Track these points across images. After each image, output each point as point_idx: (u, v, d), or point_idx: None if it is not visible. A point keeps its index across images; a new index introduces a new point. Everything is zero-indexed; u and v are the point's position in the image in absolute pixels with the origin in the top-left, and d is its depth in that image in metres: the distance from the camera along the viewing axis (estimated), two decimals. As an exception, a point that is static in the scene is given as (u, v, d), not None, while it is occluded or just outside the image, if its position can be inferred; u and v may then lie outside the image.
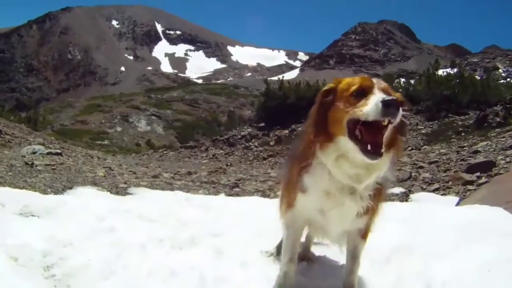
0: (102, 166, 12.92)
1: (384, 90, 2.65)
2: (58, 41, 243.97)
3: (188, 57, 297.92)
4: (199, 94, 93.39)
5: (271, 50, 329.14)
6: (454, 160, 11.48)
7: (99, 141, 53.47)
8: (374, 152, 2.55)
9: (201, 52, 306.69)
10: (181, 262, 4.00)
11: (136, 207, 6.04)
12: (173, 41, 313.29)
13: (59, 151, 14.94)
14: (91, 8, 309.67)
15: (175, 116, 74.94)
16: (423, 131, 18.94)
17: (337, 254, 3.94)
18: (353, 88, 2.72)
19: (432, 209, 5.87)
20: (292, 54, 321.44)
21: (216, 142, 26.38)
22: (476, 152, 11.66)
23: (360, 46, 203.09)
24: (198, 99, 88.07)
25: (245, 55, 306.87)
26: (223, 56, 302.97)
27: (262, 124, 26.17)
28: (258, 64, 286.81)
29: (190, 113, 78.87)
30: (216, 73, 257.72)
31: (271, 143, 22.89)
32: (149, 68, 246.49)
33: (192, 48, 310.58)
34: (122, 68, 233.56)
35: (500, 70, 60.34)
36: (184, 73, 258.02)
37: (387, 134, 2.65)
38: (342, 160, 2.75)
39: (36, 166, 10.37)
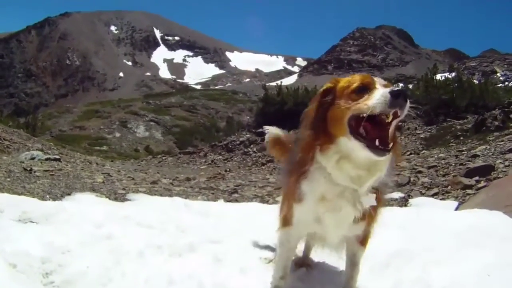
0: (101, 172, 12.91)
1: (386, 87, 2.57)
2: (57, 46, 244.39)
3: (186, 63, 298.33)
4: (198, 99, 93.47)
5: (269, 56, 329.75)
6: (453, 164, 11.47)
7: (98, 147, 53.44)
8: (383, 148, 2.47)
9: (199, 58, 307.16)
10: (180, 269, 4.00)
11: (134, 214, 6.03)
12: (171, 47, 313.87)
13: (57, 157, 14.91)
14: (90, 13, 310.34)
15: (174, 122, 74.96)
16: (421, 136, 18.93)
17: (336, 260, 3.94)
18: (355, 85, 2.67)
19: (431, 214, 5.87)
20: (290, 60, 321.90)
21: (214, 147, 26.32)
22: (475, 156, 11.65)
23: (358, 51, 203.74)
24: (196, 105, 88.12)
25: (243, 60, 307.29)
26: (222, 62, 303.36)
27: (261, 130, 26.13)
28: (257, 70, 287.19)
29: (189, 119, 78.90)
30: (215, 78, 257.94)
31: (270, 149, 22.84)
32: (148, 73, 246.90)
33: (191, 54, 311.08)
34: (121, 74, 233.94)
35: (498, 74, 60.62)
36: (183, 79, 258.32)
37: (390, 132, 2.59)
38: (344, 162, 2.67)
39: (34, 172, 10.35)
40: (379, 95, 2.44)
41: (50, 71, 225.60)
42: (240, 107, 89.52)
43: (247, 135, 26.22)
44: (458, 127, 18.21)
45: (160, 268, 3.99)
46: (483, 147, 12.65)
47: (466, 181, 9.10)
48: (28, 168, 10.51)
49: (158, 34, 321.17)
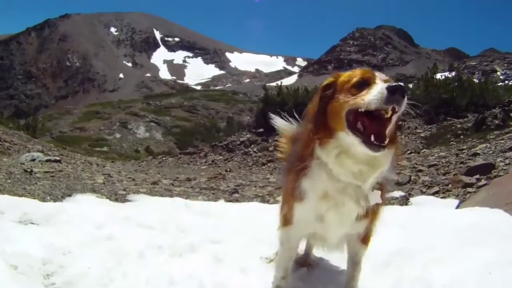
0: (101, 173, 12.90)
1: (386, 82, 2.54)
2: (57, 48, 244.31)
3: (186, 64, 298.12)
4: (198, 100, 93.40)
5: (269, 56, 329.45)
6: (454, 163, 11.47)
7: (98, 148, 53.41)
8: (378, 144, 2.44)
9: (199, 59, 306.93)
10: (181, 269, 4.00)
11: (135, 214, 6.03)
12: (171, 48, 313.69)
13: (58, 158, 14.91)
14: (90, 15, 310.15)
15: (174, 123, 74.89)
16: (422, 135, 18.92)
17: (337, 259, 3.94)
18: (355, 79, 2.65)
19: (431, 213, 5.86)
20: (290, 60, 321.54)
21: (215, 148, 26.30)
22: (475, 154, 11.64)
23: (358, 51, 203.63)
24: (196, 106, 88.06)
25: (243, 61, 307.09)
26: (222, 63, 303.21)
27: (261, 130, 26.09)
28: (257, 70, 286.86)
29: (189, 120, 78.84)
30: (215, 79, 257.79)
31: (270, 149, 22.81)
32: (148, 75, 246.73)
33: (191, 54, 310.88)
34: (121, 75, 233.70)
35: (498, 73, 60.63)
36: (183, 80, 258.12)
37: (390, 128, 2.56)
38: (343, 157, 2.64)
39: (35, 173, 10.35)
40: (376, 91, 2.43)
41: (50, 73, 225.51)
42: (240, 108, 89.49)
43: (248, 135, 26.21)
44: (459, 126, 18.21)
45: (161, 269, 3.99)
46: (484, 145, 12.65)
47: (467, 179, 9.10)
48: (29, 170, 10.51)
49: (158, 35, 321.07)
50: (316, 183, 2.80)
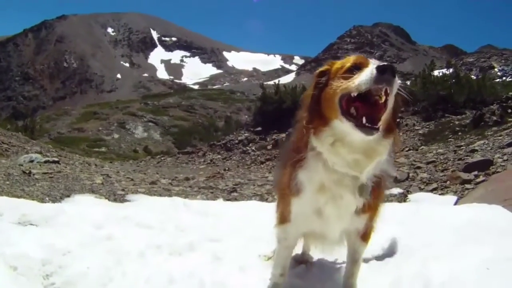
0: (100, 173, 12.90)
1: None
2: (54, 49, 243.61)
3: (184, 63, 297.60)
4: (196, 100, 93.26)
5: (266, 55, 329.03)
6: (452, 159, 11.49)
7: (97, 149, 53.33)
8: (370, 126, 2.38)
9: (197, 58, 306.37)
10: (180, 268, 4.01)
11: (134, 214, 6.04)
12: (168, 47, 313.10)
13: (56, 159, 14.92)
14: (87, 16, 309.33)
15: (172, 122, 74.79)
16: (420, 132, 18.94)
17: (336, 256, 3.94)
18: (348, 64, 2.62)
19: (430, 209, 5.86)
20: (287, 58, 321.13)
21: (213, 147, 26.31)
22: (473, 151, 11.67)
23: (356, 49, 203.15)
24: (194, 105, 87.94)
25: (241, 60, 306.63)
26: (219, 62, 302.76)
27: (259, 129, 26.12)
28: (254, 69, 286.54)
29: (187, 119, 78.75)
30: (212, 78, 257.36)
31: (269, 147, 22.85)
32: (145, 75, 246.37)
33: (188, 54, 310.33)
34: (118, 75, 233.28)
35: (496, 69, 60.65)
36: (180, 79, 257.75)
37: (384, 116, 2.50)
38: (338, 146, 2.58)
39: (33, 174, 10.35)
40: (367, 72, 2.39)
41: (48, 74, 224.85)
42: (238, 107, 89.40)
43: (246, 134, 26.23)
44: (457, 122, 18.24)
45: (160, 268, 4.01)
46: (482, 142, 12.68)
47: (465, 176, 9.12)
48: (27, 171, 10.51)
49: (155, 35, 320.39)
50: (312, 174, 2.75)
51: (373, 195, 2.78)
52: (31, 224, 5.01)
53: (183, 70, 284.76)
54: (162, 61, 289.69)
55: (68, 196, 8.30)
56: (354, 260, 3.23)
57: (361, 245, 3.16)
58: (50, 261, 3.82)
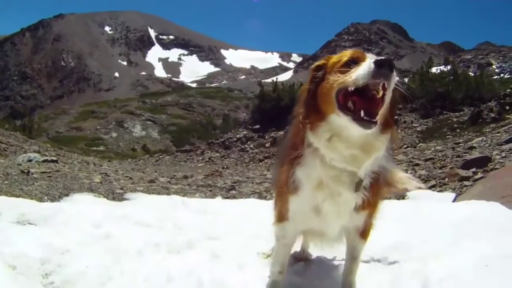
0: (98, 172, 12.90)
1: None
2: (52, 48, 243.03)
3: (181, 62, 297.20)
4: (194, 98, 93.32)
5: (264, 53, 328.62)
6: (450, 156, 11.51)
7: (95, 147, 53.34)
8: (368, 120, 2.35)
9: (194, 56, 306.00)
10: (178, 266, 4.00)
11: (132, 213, 6.03)
12: (166, 46, 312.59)
13: (54, 158, 14.90)
14: (84, 14, 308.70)
15: (170, 121, 74.81)
16: (418, 129, 18.97)
17: (335, 254, 3.94)
18: (344, 59, 2.58)
19: (428, 206, 5.88)
20: (285, 56, 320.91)
21: (211, 145, 26.33)
22: (472, 148, 11.69)
23: (353, 46, 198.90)
24: (192, 103, 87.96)
25: (238, 58, 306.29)
26: (217, 60, 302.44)
27: (257, 126, 26.14)
28: (252, 67, 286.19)
29: (185, 117, 78.76)
30: (210, 76, 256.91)
31: (267, 145, 22.88)
32: (143, 73, 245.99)
33: (186, 52, 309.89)
34: (116, 74, 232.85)
35: (494, 66, 60.60)
36: (178, 78, 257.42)
37: (382, 111, 2.47)
38: (335, 141, 2.55)
39: (32, 174, 10.35)
40: (365, 66, 2.36)
41: (45, 73, 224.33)
42: (236, 104, 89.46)
43: (244, 132, 26.27)
44: (455, 119, 18.26)
45: (158, 266, 4.00)
46: (480, 139, 12.71)
47: (463, 173, 9.15)
48: (26, 170, 10.51)
49: (152, 33, 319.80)
50: (310, 171, 2.72)
51: (372, 192, 2.75)
52: (30, 223, 5.01)
53: (180, 68, 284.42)
54: (160, 60, 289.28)
55: (67, 195, 8.30)
56: (353, 257, 3.21)
57: (360, 242, 3.14)
58: (49, 260, 3.82)
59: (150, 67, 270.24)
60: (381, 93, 2.40)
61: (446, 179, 9.29)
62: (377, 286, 3.52)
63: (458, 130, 16.40)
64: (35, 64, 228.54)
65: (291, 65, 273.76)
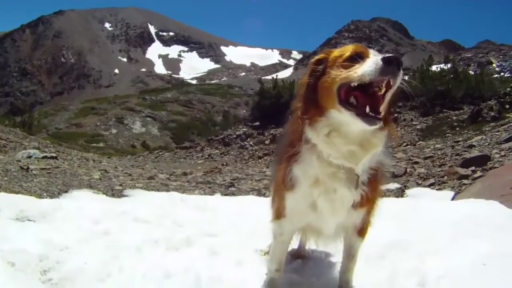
0: (98, 168, 12.89)
1: None
2: (52, 44, 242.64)
3: (181, 58, 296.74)
4: (194, 94, 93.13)
5: (264, 50, 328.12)
6: (449, 155, 11.51)
7: (95, 144, 53.25)
8: (374, 116, 2.31)
9: (194, 53, 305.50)
10: (177, 263, 4.01)
11: (131, 209, 6.04)
12: (166, 42, 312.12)
13: (54, 154, 14.89)
14: (84, 11, 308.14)
15: (170, 117, 74.67)
16: (418, 127, 18.96)
17: (332, 251, 3.95)
18: (347, 53, 2.54)
19: (427, 204, 5.89)
20: (285, 53, 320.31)
21: (211, 142, 26.33)
22: (471, 146, 11.69)
23: (354, 43, 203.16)
24: (192, 100, 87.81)
25: (238, 55, 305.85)
26: (217, 57, 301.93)
27: (257, 123, 26.13)
28: (252, 64, 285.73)
29: (185, 114, 78.62)
30: (210, 73, 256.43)
31: (266, 142, 22.87)
32: (143, 69, 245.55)
33: (186, 49, 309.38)
34: (116, 70, 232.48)
35: (494, 65, 60.52)
36: (178, 74, 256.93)
37: (383, 107, 2.45)
38: (334, 136, 2.52)
39: (31, 170, 10.34)
40: (371, 62, 2.32)
41: (45, 69, 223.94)
42: (236, 101, 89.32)
43: (244, 129, 26.24)
44: (454, 117, 18.25)
45: (157, 262, 4.00)
46: (479, 137, 12.71)
47: (462, 171, 9.15)
48: (25, 167, 10.50)
49: (152, 30, 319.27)
50: (307, 168, 2.70)
51: (369, 189, 2.73)
52: (29, 220, 5.02)
53: (180, 65, 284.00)
54: (160, 56, 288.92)
55: (66, 191, 8.29)
56: (350, 255, 3.20)
57: (358, 240, 3.13)
58: (48, 256, 3.82)
59: (150, 63, 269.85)
60: (383, 90, 2.39)
61: (445, 178, 9.29)
62: (374, 284, 3.52)
63: (457, 129, 16.40)
64: (35, 61, 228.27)
65: (291, 62, 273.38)
